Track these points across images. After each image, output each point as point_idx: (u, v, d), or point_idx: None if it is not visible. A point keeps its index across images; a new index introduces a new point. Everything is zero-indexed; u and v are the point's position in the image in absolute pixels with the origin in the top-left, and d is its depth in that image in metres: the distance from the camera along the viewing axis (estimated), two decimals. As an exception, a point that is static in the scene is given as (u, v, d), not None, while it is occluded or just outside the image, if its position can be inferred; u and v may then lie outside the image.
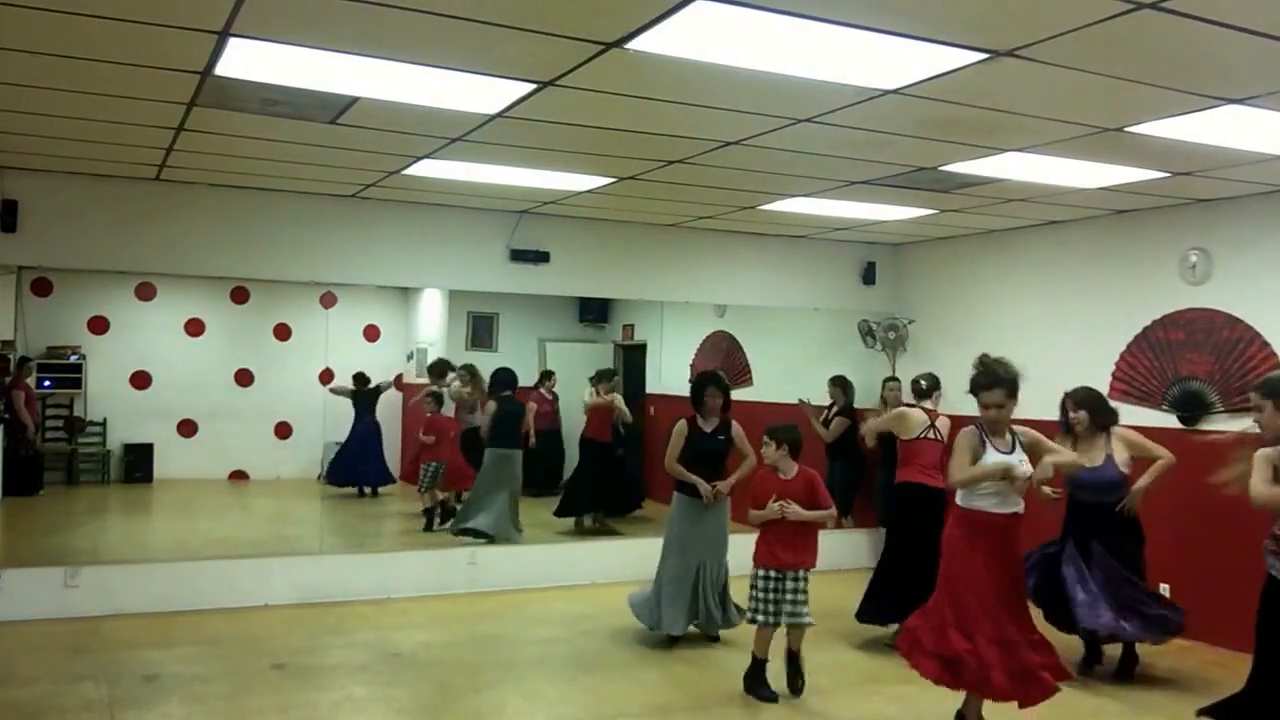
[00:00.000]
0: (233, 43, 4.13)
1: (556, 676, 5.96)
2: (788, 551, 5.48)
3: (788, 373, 10.56)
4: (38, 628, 6.50)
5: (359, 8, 3.70)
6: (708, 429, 6.43)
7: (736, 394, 10.92)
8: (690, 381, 6.93)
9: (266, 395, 12.36)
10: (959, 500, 4.77)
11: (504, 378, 9.71)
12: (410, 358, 12.99)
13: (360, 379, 11.79)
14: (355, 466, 11.70)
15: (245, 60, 4.36)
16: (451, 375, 10.93)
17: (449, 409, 10.66)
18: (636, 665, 6.19)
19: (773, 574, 5.49)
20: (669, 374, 11.49)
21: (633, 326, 12.52)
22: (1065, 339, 7.88)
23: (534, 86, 4.67)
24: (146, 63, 4.46)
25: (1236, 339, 6.77)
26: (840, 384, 9.43)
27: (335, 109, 5.16)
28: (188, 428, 12.10)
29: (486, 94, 4.82)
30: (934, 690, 5.77)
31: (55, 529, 9.88)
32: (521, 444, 9.48)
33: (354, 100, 4.98)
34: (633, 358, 12.27)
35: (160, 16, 3.89)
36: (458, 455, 10.17)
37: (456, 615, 7.22)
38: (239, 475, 12.33)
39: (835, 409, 9.39)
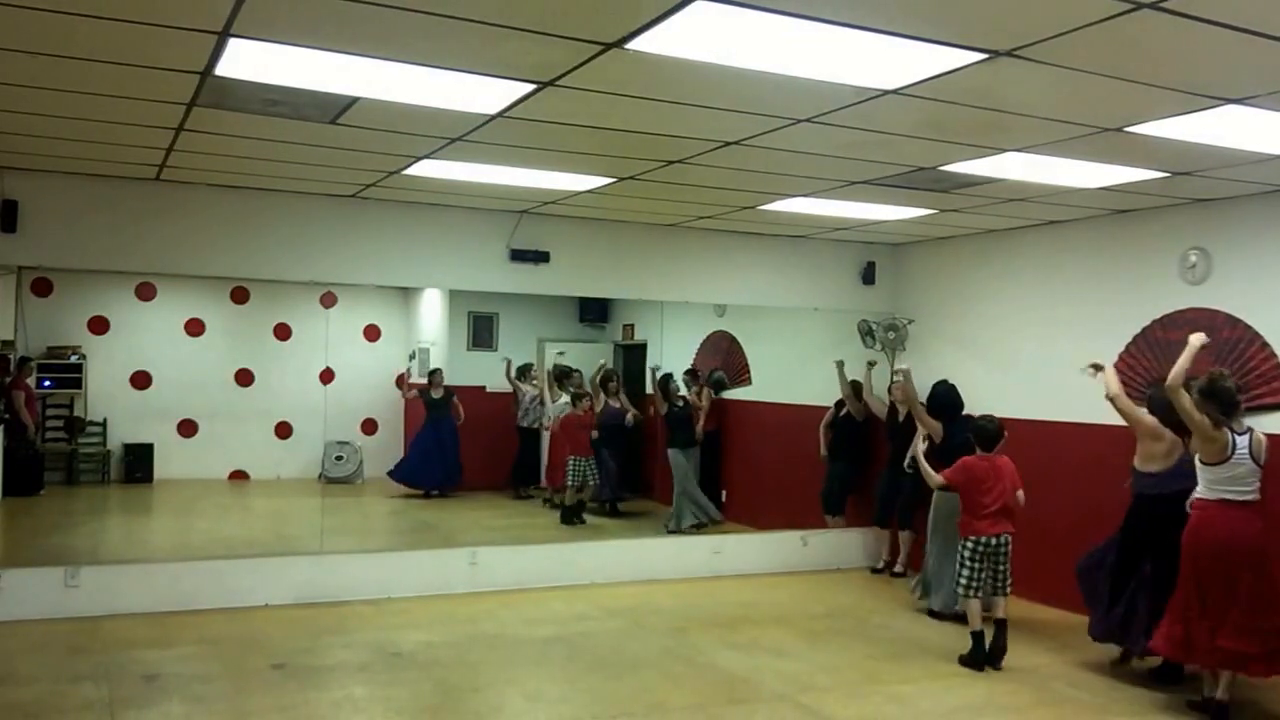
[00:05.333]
0: (233, 43, 4.13)
1: (556, 676, 5.96)
2: (988, 522, 6.08)
3: (787, 372, 10.57)
4: (38, 627, 6.49)
5: (359, 8, 3.70)
6: None
7: (734, 394, 11.14)
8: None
9: (266, 395, 12.39)
10: (1198, 492, 5.35)
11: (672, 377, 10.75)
12: (412, 357, 13.01)
13: (435, 376, 11.98)
14: (431, 468, 11.81)
15: (245, 60, 4.35)
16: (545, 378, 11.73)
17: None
18: (636, 665, 6.19)
19: (981, 541, 6.10)
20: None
21: (633, 326, 12.53)
22: (1065, 339, 7.87)
23: (534, 86, 4.67)
24: (146, 63, 4.46)
25: (1236, 339, 6.76)
26: (853, 387, 9.47)
27: (335, 109, 5.16)
28: (188, 428, 12.12)
29: (486, 94, 4.82)
30: (934, 690, 5.79)
31: (55, 529, 9.89)
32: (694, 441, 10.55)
33: (354, 100, 4.98)
34: (633, 357, 12.27)
35: (160, 16, 3.89)
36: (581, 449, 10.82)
37: (456, 615, 7.21)
38: (239, 475, 12.35)
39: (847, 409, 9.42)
